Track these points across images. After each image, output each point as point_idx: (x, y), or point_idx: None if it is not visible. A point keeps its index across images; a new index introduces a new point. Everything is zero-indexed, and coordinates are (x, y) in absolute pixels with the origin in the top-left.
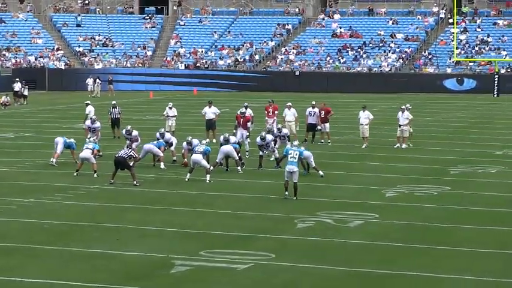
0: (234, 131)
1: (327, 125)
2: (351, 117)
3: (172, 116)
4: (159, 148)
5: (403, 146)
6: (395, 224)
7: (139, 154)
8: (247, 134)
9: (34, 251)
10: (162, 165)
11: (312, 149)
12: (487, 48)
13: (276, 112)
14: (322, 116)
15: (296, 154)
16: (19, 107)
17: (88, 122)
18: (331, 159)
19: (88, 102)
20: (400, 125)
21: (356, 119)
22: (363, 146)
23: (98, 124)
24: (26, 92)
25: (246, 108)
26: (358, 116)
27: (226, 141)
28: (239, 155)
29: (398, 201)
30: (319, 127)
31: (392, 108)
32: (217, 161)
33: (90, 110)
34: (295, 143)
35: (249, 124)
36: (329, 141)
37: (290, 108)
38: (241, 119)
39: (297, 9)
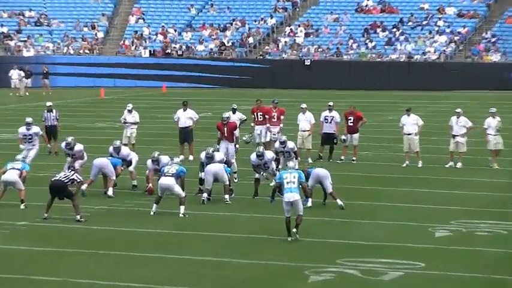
0: (218, 146)
1: (356, 136)
2: (384, 124)
3: (132, 123)
4: (114, 168)
5: (459, 164)
6: (448, 276)
7: (89, 175)
8: (235, 148)
9: None
10: (110, 192)
11: (328, 169)
12: None
13: (282, 117)
14: (351, 124)
15: (294, 177)
16: None
17: (22, 129)
18: (357, 183)
19: None
20: (453, 136)
21: (394, 127)
22: (404, 165)
23: (36, 129)
24: None
25: (234, 112)
26: (401, 122)
27: (210, 159)
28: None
29: (452, 244)
30: (343, 137)
31: (441, 111)
32: (207, 187)
33: None
34: (291, 164)
35: (236, 133)
36: (354, 158)
37: (305, 112)
38: (224, 128)
39: None
